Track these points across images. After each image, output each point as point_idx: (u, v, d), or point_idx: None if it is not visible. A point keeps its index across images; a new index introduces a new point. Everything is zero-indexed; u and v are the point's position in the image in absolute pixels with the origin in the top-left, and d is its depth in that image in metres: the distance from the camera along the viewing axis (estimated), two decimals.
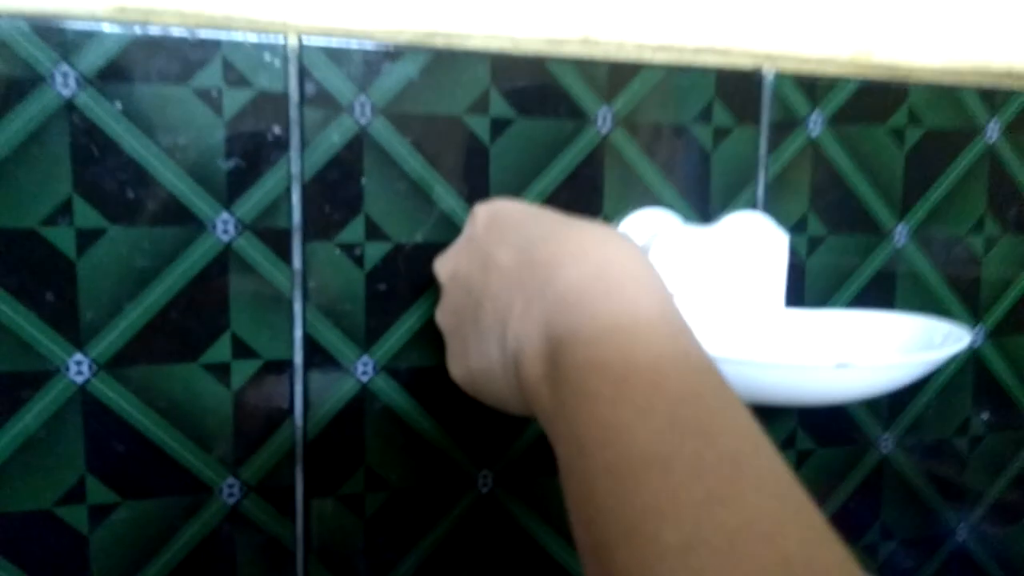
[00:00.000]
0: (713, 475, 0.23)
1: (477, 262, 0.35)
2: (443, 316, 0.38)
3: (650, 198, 0.50)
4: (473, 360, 0.35)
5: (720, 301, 0.49)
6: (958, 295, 0.58)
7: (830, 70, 0.54)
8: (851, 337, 0.47)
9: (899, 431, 0.58)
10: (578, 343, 0.27)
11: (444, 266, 0.38)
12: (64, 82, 0.40)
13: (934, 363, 0.40)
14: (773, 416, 0.55)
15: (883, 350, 0.45)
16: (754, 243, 0.49)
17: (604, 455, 0.24)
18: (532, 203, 0.47)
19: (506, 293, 0.32)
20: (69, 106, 0.40)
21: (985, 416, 0.60)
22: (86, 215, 0.41)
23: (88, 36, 0.40)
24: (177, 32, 0.41)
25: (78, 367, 0.41)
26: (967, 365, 0.59)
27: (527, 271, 0.31)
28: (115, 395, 0.42)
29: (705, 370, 0.26)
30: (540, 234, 0.33)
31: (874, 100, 0.54)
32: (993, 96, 0.57)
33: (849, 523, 0.58)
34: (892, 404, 0.58)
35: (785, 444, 0.55)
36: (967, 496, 0.61)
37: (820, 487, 0.57)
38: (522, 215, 0.36)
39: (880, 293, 0.56)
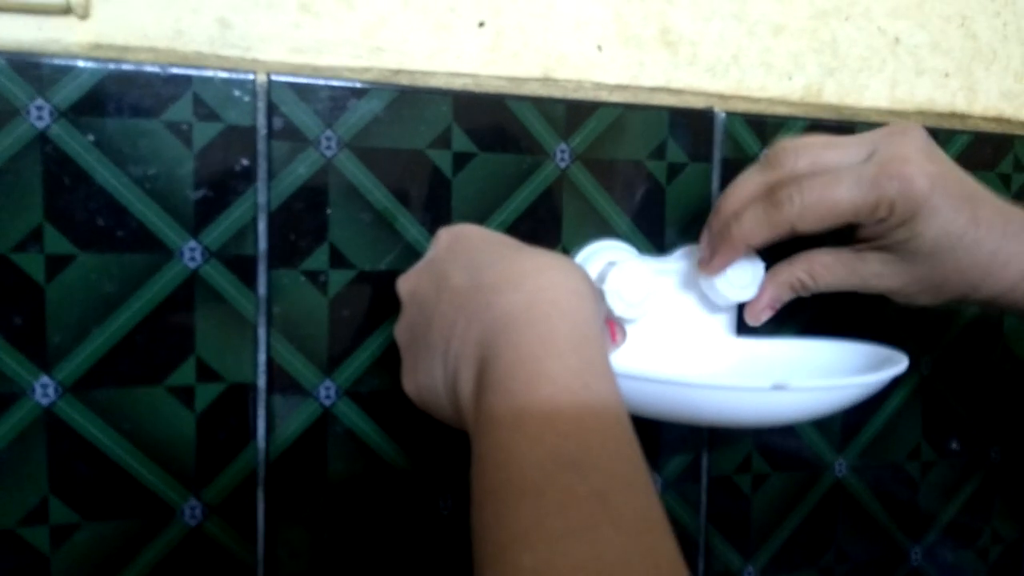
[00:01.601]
0: (577, 509, 0.24)
1: (433, 282, 0.37)
2: (400, 332, 0.40)
3: (607, 230, 0.52)
4: (421, 375, 0.36)
5: (672, 329, 0.51)
6: (907, 323, 0.60)
7: (780, 110, 0.57)
8: (796, 362, 0.49)
9: (852, 456, 0.60)
10: (497, 369, 0.29)
11: (405, 284, 0.40)
12: (39, 115, 0.41)
13: (871, 386, 0.42)
14: (728, 441, 0.56)
15: (823, 374, 0.47)
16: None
17: (495, 477, 0.26)
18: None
19: (452, 313, 0.33)
20: (43, 138, 0.41)
21: (954, 446, 0.62)
22: (56, 242, 0.42)
23: (63, 71, 0.42)
24: (150, 68, 0.43)
25: (44, 389, 0.42)
26: (917, 391, 0.61)
27: (473, 294, 0.33)
28: (80, 417, 0.43)
29: (599, 406, 0.28)
30: (491, 259, 0.35)
31: None
32: (936, 135, 0.59)
33: (805, 546, 0.59)
34: (845, 429, 0.60)
35: (741, 468, 0.57)
36: (920, 520, 0.63)
37: (776, 510, 0.58)
38: (480, 240, 0.38)
39: (832, 322, 0.58)
